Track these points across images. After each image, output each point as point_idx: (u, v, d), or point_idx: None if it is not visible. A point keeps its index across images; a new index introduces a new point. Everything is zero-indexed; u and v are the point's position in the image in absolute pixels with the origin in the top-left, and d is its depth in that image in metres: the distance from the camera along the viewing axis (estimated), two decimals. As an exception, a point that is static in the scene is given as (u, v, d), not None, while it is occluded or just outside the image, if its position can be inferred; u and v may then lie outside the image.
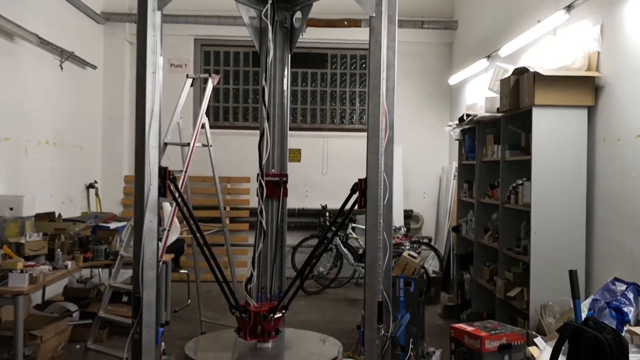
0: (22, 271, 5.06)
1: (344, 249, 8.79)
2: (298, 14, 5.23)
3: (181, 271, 8.07)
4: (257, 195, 5.11)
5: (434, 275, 8.48)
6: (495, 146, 6.45)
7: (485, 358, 4.48)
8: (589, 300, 4.61)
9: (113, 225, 6.85)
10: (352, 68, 10.47)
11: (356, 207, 4.23)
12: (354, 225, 9.06)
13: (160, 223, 4.78)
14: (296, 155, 9.95)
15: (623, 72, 4.96)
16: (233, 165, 9.55)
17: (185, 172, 5.69)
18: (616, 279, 4.63)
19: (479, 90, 8.17)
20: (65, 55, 7.95)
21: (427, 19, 9.91)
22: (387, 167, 4.27)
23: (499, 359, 4.54)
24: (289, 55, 5.22)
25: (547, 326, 5.08)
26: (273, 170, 5.20)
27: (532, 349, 4.63)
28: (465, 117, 7.02)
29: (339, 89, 10.47)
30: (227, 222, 6.53)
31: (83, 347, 5.40)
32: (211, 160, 6.14)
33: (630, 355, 3.23)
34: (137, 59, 3.99)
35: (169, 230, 5.62)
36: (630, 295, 4.39)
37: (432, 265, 8.91)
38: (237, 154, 9.47)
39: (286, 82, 5.19)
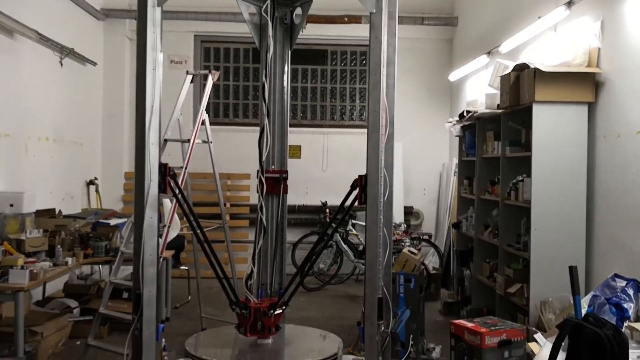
0: (22, 267, 5.07)
1: (344, 246, 8.80)
2: (298, 10, 5.23)
3: (181, 267, 8.08)
4: (257, 192, 5.12)
5: (434, 271, 8.48)
6: (496, 142, 6.44)
7: (485, 354, 4.48)
8: (589, 296, 4.62)
9: (113, 221, 6.86)
10: (352, 64, 10.46)
11: (356, 204, 4.23)
12: (354, 221, 9.07)
13: (161, 219, 4.78)
14: (296, 151, 9.95)
15: (624, 68, 4.95)
16: (233, 161, 9.55)
17: (186, 168, 5.68)
18: (616, 275, 4.64)
19: (479, 86, 8.16)
20: (65, 51, 7.95)
21: (428, 15, 9.91)
22: (388, 163, 4.27)
23: (499, 355, 4.54)
24: (289, 52, 5.21)
25: (547, 322, 5.09)
26: (273, 167, 5.20)
27: (532, 345, 4.64)
28: (465, 114, 7.01)
29: (339, 85, 10.46)
30: (227, 219, 6.53)
31: (83, 344, 5.41)
32: (211, 157, 6.14)
33: (630, 351, 3.23)
34: (137, 56, 3.99)
35: (169, 226, 5.62)
36: (630, 292, 4.39)
37: (432, 261, 8.91)
38: (237, 150, 9.47)
39: (286, 78, 5.19)
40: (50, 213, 6.81)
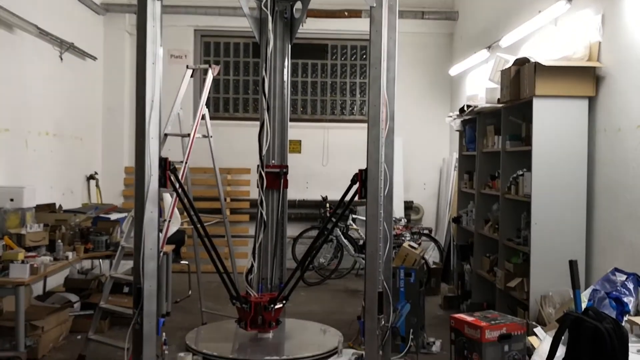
0: (23, 262, 5.08)
1: (345, 240, 8.80)
2: (298, 5, 5.22)
3: (182, 262, 8.08)
4: (258, 187, 5.13)
5: (434, 266, 8.49)
6: (496, 137, 6.44)
7: (485, 348, 4.49)
8: (589, 290, 4.62)
9: (114, 216, 6.85)
10: (353, 59, 10.44)
11: (356, 198, 4.24)
12: (354, 216, 9.07)
13: (161, 214, 4.79)
14: (296, 146, 9.94)
15: (624, 62, 4.94)
16: (233, 156, 9.54)
17: (186, 163, 5.69)
18: (616, 270, 4.64)
19: (479, 81, 8.15)
20: (65, 46, 7.93)
21: (428, 10, 9.88)
22: (388, 158, 4.27)
23: (499, 349, 4.55)
24: (289, 46, 5.22)
25: (547, 316, 5.10)
26: (273, 162, 5.21)
27: (532, 339, 4.65)
28: (465, 108, 7.01)
29: (339, 79, 10.45)
30: (227, 213, 6.53)
31: (84, 338, 5.42)
32: (211, 151, 6.14)
33: (630, 344, 3.24)
34: (137, 50, 3.99)
35: (169, 221, 5.63)
36: (630, 286, 4.40)
37: (432, 256, 8.92)
38: (237, 145, 9.46)
39: (286, 72, 5.19)
40: (50, 208, 6.82)
